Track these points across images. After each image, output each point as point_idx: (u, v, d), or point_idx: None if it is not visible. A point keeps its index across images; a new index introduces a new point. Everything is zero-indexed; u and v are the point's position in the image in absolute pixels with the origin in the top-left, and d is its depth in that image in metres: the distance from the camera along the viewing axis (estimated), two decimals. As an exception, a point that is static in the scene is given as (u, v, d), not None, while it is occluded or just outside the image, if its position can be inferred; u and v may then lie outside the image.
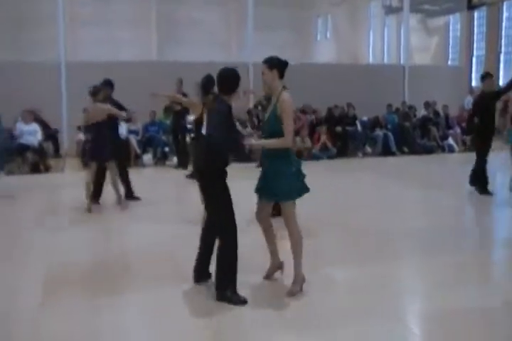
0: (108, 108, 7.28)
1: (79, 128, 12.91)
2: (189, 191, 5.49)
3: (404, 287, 4.46)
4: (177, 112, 10.74)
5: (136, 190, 7.90)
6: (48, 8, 16.55)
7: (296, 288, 4.10)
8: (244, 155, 3.69)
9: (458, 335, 3.43)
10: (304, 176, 4.18)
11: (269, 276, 4.44)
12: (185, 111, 8.83)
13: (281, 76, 4.06)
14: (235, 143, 4.11)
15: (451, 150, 14.12)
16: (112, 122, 7.45)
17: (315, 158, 12.59)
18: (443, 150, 14.14)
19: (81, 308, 3.88)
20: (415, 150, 13.81)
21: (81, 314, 3.77)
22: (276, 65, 4.04)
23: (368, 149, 13.94)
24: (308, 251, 5.20)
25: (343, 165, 12.24)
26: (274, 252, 4.40)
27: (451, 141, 14.30)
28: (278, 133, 3.98)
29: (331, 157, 12.75)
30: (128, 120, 7.86)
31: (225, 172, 4.00)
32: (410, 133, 14.12)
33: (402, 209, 7.28)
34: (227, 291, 3.90)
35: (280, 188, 4.01)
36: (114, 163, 7.32)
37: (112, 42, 23.28)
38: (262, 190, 4.13)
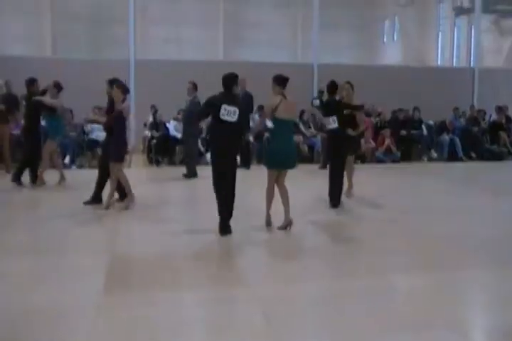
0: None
1: (145, 124, 13.28)
2: (246, 189, 5.51)
3: (469, 298, 4.27)
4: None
5: (195, 187, 8.01)
6: (120, 8, 17.10)
7: (283, 226, 5.85)
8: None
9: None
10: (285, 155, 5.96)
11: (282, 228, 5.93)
12: None
13: (282, 87, 5.88)
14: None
15: (522, 157, 13.56)
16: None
17: (379, 161, 12.40)
18: (514, 157, 13.60)
19: (141, 301, 3.92)
20: (483, 156, 13.34)
21: (137, 308, 3.81)
22: (276, 80, 5.87)
23: (434, 154, 13.58)
24: (372, 255, 5.17)
25: (408, 169, 11.97)
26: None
27: (523, 147, 13.73)
28: None
29: (395, 161, 12.51)
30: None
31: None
32: (479, 139, 13.66)
33: (470, 217, 7.02)
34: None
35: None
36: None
37: (179, 42, 23.77)
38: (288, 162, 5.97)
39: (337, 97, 7.54)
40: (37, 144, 8.76)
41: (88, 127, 11.42)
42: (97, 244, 5.54)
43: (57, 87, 8.62)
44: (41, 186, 8.70)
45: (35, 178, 8.72)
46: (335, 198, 7.21)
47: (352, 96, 7.72)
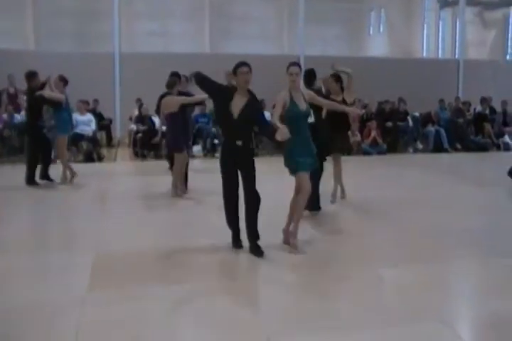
0: (182, 98, 7.41)
1: (130, 118, 13.21)
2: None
3: (455, 289, 4.27)
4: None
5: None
6: (104, 1, 16.94)
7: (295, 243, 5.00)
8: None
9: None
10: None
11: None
12: None
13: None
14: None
15: (506, 148, 13.67)
16: (184, 113, 7.55)
17: (365, 153, 12.44)
18: (498, 147, 13.72)
19: (127, 297, 3.90)
20: (468, 147, 13.45)
21: (127, 302, 3.79)
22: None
23: (420, 145, 13.66)
24: (359, 249, 5.19)
25: (394, 160, 12.03)
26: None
27: (507, 138, 13.85)
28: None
29: (381, 152, 12.56)
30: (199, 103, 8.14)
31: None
32: (463, 130, 13.76)
33: (454, 208, 7.06)
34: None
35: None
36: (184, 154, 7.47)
37: (165, 35, 23.61)
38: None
39: (323, 91, 7.02)
40: (39, 140, 8.46)
41: (73, 121, 11.30)
42: (84, 241, 5.47)
43: (63, 80, 8.40)
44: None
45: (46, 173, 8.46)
46: (314, 203, 6.38)
47: (339, 90, 6.91)
